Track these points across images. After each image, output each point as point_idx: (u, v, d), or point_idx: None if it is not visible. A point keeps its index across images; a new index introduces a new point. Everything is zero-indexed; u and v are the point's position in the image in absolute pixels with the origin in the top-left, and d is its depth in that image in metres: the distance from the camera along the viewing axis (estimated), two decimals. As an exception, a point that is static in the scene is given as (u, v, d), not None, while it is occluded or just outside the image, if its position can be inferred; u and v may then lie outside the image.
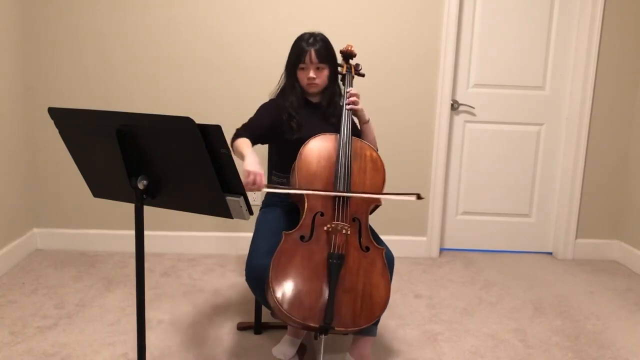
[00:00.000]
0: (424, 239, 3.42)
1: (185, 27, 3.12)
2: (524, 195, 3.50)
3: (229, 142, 2.03)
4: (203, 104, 3.17)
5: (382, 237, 2.06)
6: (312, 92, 2.14)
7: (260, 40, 3.14)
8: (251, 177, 1.80)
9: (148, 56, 3.14)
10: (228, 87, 3.18)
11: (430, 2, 3.16)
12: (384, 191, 2.01)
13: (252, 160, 1.86)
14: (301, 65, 2.08)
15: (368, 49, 3.16)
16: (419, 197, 1.90)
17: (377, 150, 2.18)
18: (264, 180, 1.84)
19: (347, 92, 2.12)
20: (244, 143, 2.00)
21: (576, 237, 3.47)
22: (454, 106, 3.34)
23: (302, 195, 1.91)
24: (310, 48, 2.06)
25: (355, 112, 2.12)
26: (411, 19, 3.17)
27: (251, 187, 1.81)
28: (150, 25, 3.11)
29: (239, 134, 2.07)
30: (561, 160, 3.46)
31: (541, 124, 3.43)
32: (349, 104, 2.08)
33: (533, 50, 3.32)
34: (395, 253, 2.04)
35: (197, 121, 1.35)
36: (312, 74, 2.07)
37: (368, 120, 2.17)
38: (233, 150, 2.03)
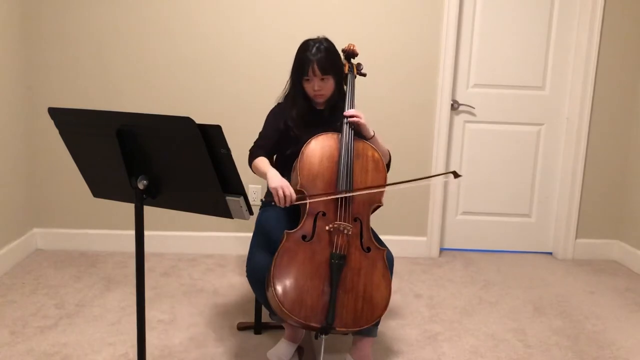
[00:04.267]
0: (424, 239, 3.42)
1: (184, 29, 3.11)
2: (524, 195, 3.50)
3: (246, 161, 2.13)
4: (203, 105, 3.17)
5: (382, 237, 2.06)
6: (318, 101, 2.14)
7: (259, 42, 3.14)
8: (280, 192, 1.86)
9: (148, 57, 3.13)
10: (228, 87, 3.18)
11: (430, 2, 3.16)
12: (394, 188, 2.02)
13: (274, 176, 1.93)
14: (305, 77, 2.07)
15: (368, 49, 3.15)
16: (455, 174, 1.90)
17: (390, 162, 2.18)
18: (292, 190, 1.89)
19: (346, 111, 2.06)
20: (261, 162, 2.05)
21: (576, 237, 3.46)
22: (454, 106, 3.34)
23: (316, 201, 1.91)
24: (314, 59, 2.02)
25: (358, 128, 2.06)
26: (411, 19, 3.17)
27: (283, 203, 1.87)
28: (150, 26, 3.10)
29: (254, 153, 2.13)
30: (561, 160, 3.46)
31: (541, 124, 3.43)
32: (348, 119, 2.03)
33: (533, 50, 3.32)
34: (395, 253, 2.05)
35: (197, 121, 1.35)
36: (316, 87, 2.06)
37: (373, 135, 2.11)
38: (254, 171, 2.10)
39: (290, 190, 1.88)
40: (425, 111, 3.27)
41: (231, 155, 1.39)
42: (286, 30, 3.12)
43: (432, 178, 1.93)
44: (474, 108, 3.37)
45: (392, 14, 3.16)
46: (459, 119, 3.39)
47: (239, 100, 3.18)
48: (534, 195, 3.50)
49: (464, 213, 3.52)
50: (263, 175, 2.00)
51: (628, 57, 3.29)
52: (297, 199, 1.90)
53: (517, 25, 3.29)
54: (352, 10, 3.14)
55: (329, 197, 1.91)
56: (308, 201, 1.91)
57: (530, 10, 3.27)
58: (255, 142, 2.18)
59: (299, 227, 1.88)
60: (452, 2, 3.14)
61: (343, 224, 1.87)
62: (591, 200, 3.43)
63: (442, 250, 3.51)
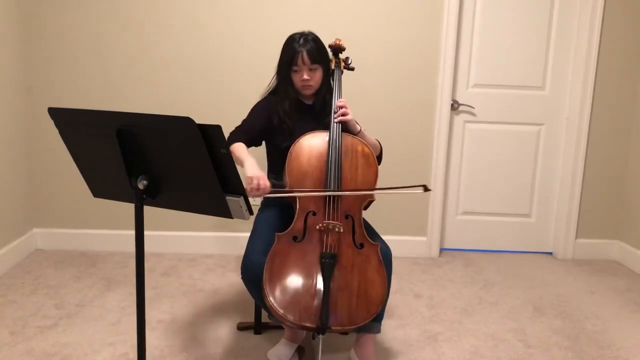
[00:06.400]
0: (424, 239, 3.42)
1: (184, 29, 3.11)
2: (524, 195, 3.50)
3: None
4: (203, 105, 3.17)
5: (382, 237, 2.05)
6: (307, 93, 2.12)
7: (258, 42, 3.14)
8: (254, 182, 1.81)
9: (147, 57, 3.13)
10: (228, 87, 3.18)
11: (430, 2, 3.16)
12: (378, 186, 2.00)
13: (252, 165, 1.87)
14: (294, 68, 2.06)
15: (368, 49, 3.16)
16: (425, 189, 1.88)
17: (381, 153, 2.16)
18: (268, 183, 1.84)
19: (335, 105, 2.05)
20: (240, 147, 2.00)
21: (576, 237, 3.46)
22: (454, 106, 3.34)
23: (294, 195, 1.90)
24: (302, 49, 2.03)
25: (345, 124, 2.04)
26: (411, 18, 3.17)
27: (256, 193, 1.81)
28: (150, 26, 3.10)
29: (232, 138, 2.06)
30: (561, 160, 3.46)
31: (541, 124, 3.43)
32: (337, 117, 2.02)
33: (533, 50, 3.32)
34: (395, 253, 2.04)
35: (197, 121, 1.35)
36: (306, 76, 2.05)
37: (360, 130, 2.09)
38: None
39: (265, 183, 1.83)
40: (425, 111, 3.27)
41: (231, 156, 1.40)
42: (286, 30, 3.08)
43: (402, 189, 1.90)
44: (474, 108, 3.37)
45: (392, 14, 3.16)
46: (459, 118, 3.39)
47: (239, 100, 3.16)
48: (534, 195, 3.50)
49: (464, 213, 3.52)
50: (240, 161, 1.92)
51: (628, 57, 3.29)
52: (273, 192, 1.86)
53: (517, 25, 3.29)
54: (352, 10, 3.14)
55: (308, 194, 1.89)
56: (276, 195, 1.88)
57: (530, 10, 3.27)
58: (236, 127, 2.11)
59: (289, 228, 1.87)
60: (452, 2, 3.14)
61: (332, 223, 1.86)
62: (591, 200, 3.42)
63: (442, 250, 3.51)
